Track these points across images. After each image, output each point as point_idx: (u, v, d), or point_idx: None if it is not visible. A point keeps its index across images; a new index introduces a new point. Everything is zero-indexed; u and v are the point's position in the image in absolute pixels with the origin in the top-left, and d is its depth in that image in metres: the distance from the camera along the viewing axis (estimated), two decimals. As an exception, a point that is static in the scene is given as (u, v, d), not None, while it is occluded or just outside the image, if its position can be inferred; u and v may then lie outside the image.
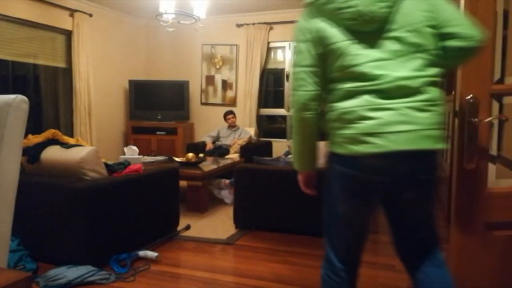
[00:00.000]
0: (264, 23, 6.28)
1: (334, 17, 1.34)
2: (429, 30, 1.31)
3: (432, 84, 1.33)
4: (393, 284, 2.10)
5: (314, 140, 1.50)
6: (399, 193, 1.40)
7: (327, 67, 1.39)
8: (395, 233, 1.52)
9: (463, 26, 1.33)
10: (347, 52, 1.33)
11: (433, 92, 1.32)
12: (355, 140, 1.31)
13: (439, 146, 1.33)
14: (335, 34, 1.34)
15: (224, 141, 5.78)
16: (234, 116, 5.83)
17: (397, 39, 1.31)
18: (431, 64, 1.33)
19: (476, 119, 1.34)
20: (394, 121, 1.28)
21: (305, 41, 1.39)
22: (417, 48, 1.31)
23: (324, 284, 1.53)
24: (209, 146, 5.61)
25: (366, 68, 1.32)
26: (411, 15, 1.30)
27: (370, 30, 1.32)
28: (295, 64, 1.43)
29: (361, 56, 1.32)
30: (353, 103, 1.33)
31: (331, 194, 1.46)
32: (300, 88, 1.41)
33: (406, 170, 1.34)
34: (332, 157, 1.43)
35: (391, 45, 1.32)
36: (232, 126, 5.84)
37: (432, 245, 1.46)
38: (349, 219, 1.45)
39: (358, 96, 1.33)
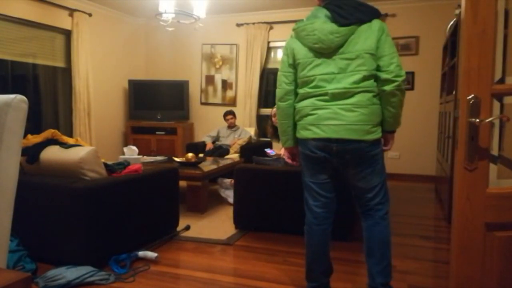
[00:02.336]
0: (264, 22, 6.27)
1: (305, 40, 1.94)
2: (368, 55, 1.84)
3: (363, 92, 1.86)
4: (393, 284, 2.10)
5: (289, 123, 2.07)
6: (337, 166, 1.99)
7: (296, 75, 2.01)
8: (352, 192, 2.09)
9: (390, 63, 1.84)
10: (307, 66, 1.94)
11: (361, 98, 1.85)
12: (304, 128, 1.97)
13: (361, 137, 1.86)
14: (302, 53, 1.96)
15: (224, 141, 5.76)
16: (234, 117, 5.80)
17: (346, 59, 1.87)
18: (367, 78, 1.86)
19: (477, 119, 1.34)
20: (328, 117, 1.88)
21: (286, 54, 2.03)
22: (359, 67, 1.85)
23: (305, 235, 2.14)
24: (209, 146, 5.60)
25: (316, 80, 1.92)
26: (358, 44, 1.85)
27: (328, 52, 1.89)
28: (279, 69, 2.07)
29: (316, 70, 1.92)
30: (304, 104, 1.97)
31: (301, 168, 2.11)
32: (279, 86, 2.07)
33: (336, 150, 1.91)
34: (298, 141, 2.08)
35: (341, 63, 1.88)
36: (232, 126, 5.83)
37: (373, 205, 2.01)
38: (313, 184, 2.05)
39: (307, 99, 1.96)
